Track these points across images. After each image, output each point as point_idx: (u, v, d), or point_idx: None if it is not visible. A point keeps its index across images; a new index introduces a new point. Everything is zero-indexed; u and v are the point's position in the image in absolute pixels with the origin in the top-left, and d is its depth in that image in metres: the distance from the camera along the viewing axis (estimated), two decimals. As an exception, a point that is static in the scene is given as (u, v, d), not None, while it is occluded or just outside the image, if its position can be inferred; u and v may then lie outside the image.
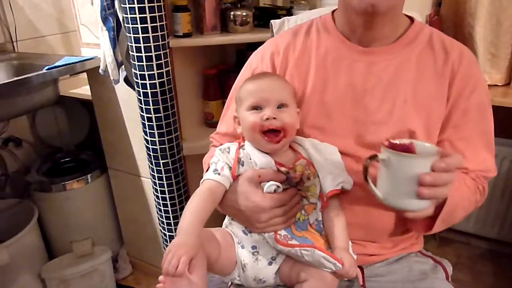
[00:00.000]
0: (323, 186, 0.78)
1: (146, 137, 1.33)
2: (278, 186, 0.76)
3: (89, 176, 1.71)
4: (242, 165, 0.79)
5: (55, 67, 1.36)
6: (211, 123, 1.51)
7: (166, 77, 1.25)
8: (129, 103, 1.49)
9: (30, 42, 1.72)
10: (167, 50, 1.24)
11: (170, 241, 1.48)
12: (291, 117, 0.78)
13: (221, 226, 0.86)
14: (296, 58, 0.88)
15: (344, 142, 0.83)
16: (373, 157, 0.67)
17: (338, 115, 0.83)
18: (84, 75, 1.58)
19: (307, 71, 0.86)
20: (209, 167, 0.81)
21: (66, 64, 1.39)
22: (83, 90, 1.71)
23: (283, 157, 0.79)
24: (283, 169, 0.77)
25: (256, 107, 0.77)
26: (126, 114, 1.54)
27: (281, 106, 0.77)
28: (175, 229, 1.46)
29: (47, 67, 1.33)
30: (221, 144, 0.86)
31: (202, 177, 0.81)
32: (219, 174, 0.77)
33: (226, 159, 0.80)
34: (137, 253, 1.86)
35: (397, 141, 0.69)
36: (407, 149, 0.68)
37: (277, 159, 0.78)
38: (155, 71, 1.22)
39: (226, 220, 0.86)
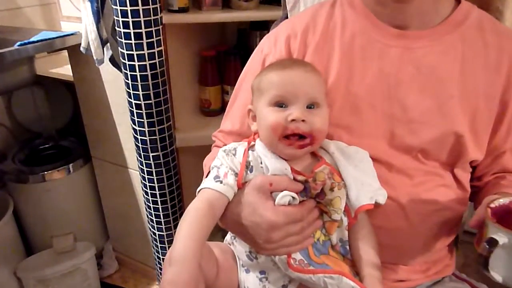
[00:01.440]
0: (352, 200, 0.63)
1: (134, 126, 1.17)
2: (294, 198, 0.62)
3: (71, 165, 1.55)
4: (251, 170, 0.64)
5: (30, 42, 1.18)
6: (208, 111, 1.35)
7: (158, 58, 1.08)
8: (116, 85, 1.32)
9: (5, 14, 1.53)
10: (160, 27, 1.07)
11: (159, 239, 1.34)
12: (322, 121, 0.63)
13: (219, 236, 0.71)
14: (316, 42, 0.72)
15: (375, 144, 0.68)
16: (493, 244, 0.52)
17: (369, 110, 0.68)
18: (66, 52, 1.40)
19: (330, 57, 0.71)
20: (209, 172, 0.67)
21: (42, 40, 1.21)
22: (65, 70, 1.52)
23: (301, 163, 0.65)
24: (300, 177, 0.62)
25: (280, 104, 0.62)
26: (112, 98, 1.37)
27: (311, 105, 0.62)
28: (166, 228, 1.32)
29: (19, 43, 1.15)
30: (225, 145, 0.71)
31: (200, 180, 0.67)
32: (221, 182, 0.62)
33: (231, 163, 0.65)
34: (123, 249, 1.73)
35: (498, 202, 0.55)
36: None
37: (293, 164, 0.63)
38: (145, 51, 1.05)
39: (229, 236, 0.71)
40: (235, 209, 0.63)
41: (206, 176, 0.69)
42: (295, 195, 0.62)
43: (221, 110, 1.36)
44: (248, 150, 0.66)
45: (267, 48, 0.77)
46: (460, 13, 0.69)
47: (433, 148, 0.68)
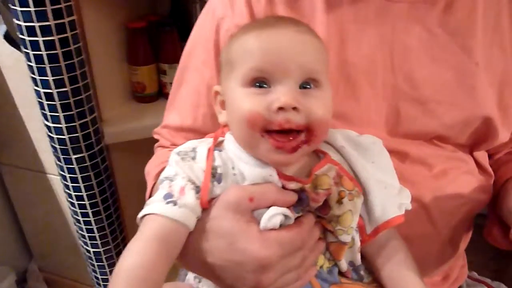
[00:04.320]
0: (376, 212, 0.45)
1: (46, 122, 0.90)
2: (287, 216, 0.43)
3: (-30, 175, 1.23)
4: (219, 180, 0.44)
5: None
6: (142, 96, 1.10)
7: (71, 31, 0.82)
8: (19, 71, 1.03)
9: None
10: (69, -11, 0.81)
11: (95, 257, 1.10)
12: (325, 107, 0.43)
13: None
14: None
15: (378, 131, 0.51)
16: None
17: (368, 90, 0.51)
18: None
19: (311, 18, 0.52)
20: (154, 185, 0.45)
21: None
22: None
23: (294, 164, 0.45)
24: (293, 184, 0.43)
25: (260, 82, 0.42)
26: (15, 88, 1.07)
27: (308, 84, 0.42)
28: (103, 243, 1.08)
29: None
30: (174, 145, 0.50)
31: (141, 182, 0.50)
32: (174, 203, 0.41)
33: (190, 170, 0.44)
34: (52, 268, 1.45)
35: None
36: None
37: (281, 168, 0.44)
38: (51, 22, 0.79)
39: (192, 276, 0.51)
40: (201, 243, 0.43)
41: (150, 193, 0.48)
42: (288, 211, 0.43)
43: (159, 94, 1.13)
44: (214, 150, 0.45)
45: (221, 9, 0.57)
46: None
47: (453, 133, 0.53)
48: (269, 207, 0.42)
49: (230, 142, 0.45)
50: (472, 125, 0.53)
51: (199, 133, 0.56)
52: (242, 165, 0.44)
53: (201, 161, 0.44)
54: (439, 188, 0.52)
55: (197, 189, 0.43)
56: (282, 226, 0.43)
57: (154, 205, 0.42)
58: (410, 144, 0.52)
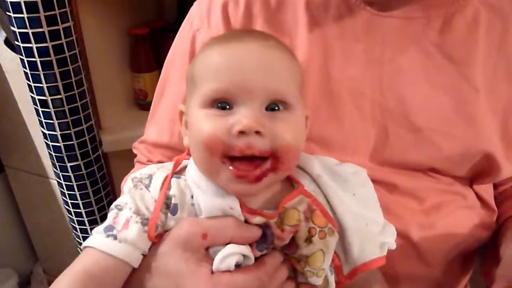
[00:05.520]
0: (353, 252, 0.40)
1: (42, 129, 0.89)
2: (245, 256, 0.38)
3: (-23, 177, 1.24)
4: (174, 211, 0.40)
5: None
6: (144, 103, 1.08)
7: (66, 37, 0.81)
8: (21, 76, 1.01)
9: None
10: (65, -6, 0.79)
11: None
12: (294, 130, 0.38)
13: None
14: (271, 10, 0.50)
15: (363, 160, 0.46)
16: None
17: (353, 113, 0.46)
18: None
19: (294, 33, 0.48)
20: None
21: None
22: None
23: (260, 194, 0.40)
24: (257, 218, 0.38)
25: (222, 103, 0.37)
26: (18, 93, 1.07)
27: (275, 105, 0.38)
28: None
29: None
30: (149, 161, 0.47)
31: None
32: (115, 237, 0.38)
33: (140, 200, 0.40)
34: (56, 271, 1.43)
35: None
36: None
37: (245, 198, 0.39)
38: (45, 28, 0.77)
39: None
40: (144, 282, 0.39)
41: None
42: (247, 250, 0.38)
43: (162, 102, 1.10)
44: (172, 177, 0.41)
45: (198, 21, 0.54)
46: None
47: (450, 166, 0.48)
48: (226, 244, 0.38)
49: (191, 167, 0.41)
50: (471, 159, 0.47)
51: (176, 151, 0.53)
52: (200, 194, 0.39)
53: (154, 190, 0.40)
54: (429, 224, 0.47)
55: (145, 222, 0.39)
56: (240, 267, 0.38)
57: (94, 237, 0.38)
58: (399, 174, 0.47)
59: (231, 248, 0.37)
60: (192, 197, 0.40)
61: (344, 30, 0.47)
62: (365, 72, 0.47)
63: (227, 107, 0.37)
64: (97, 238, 0.38)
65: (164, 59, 1.04)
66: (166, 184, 0.40)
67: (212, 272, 0.37)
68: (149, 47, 1.04)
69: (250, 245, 0.38)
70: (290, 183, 0.42)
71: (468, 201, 0.50)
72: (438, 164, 0.47)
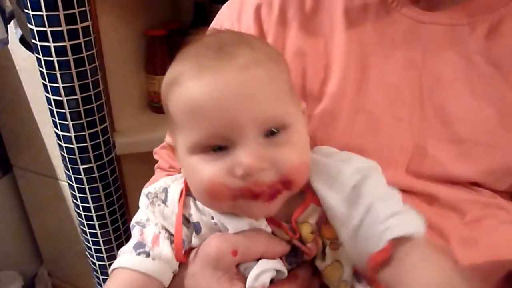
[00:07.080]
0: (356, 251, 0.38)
1: (56, 130, 0.87)
2: (278, 271, 0.36)
3: (-15, 177, 1.22)
4: (197, 229, 0.38)
5: None
6: (158, 107, 1.06)
7: (84, 37, 0.79)
8: (35, 75, 1.00)
9: None
10: (85, -6, 0.77)
11: (100, 270, 1.06)
12: (298, 148, 0.36)
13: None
14: (306, 14, 0.47)
15: (399, 172, 0.44)
16: None
17: (391, 124, 0.44)
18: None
19: (329, 38, 0.46)
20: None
21: None
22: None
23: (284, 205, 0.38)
24: (281, 233, 0.38)
25: (215, 146, 0.35)
26: (30, 92, 1.06)
27: (271, 131, 0.35)
28: (108, 257, 1.04)
29: None
30: (171, 168, 0.45)
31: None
32: (147, 255, 0.36)
33: (161, 216, 0.39)
34: (61, 274, 1.43)
35: None
36: None
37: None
38: (64, 27, 0.75)
39: None
40: None
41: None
42: (279, 264, 0.36)
43: (176, 105, 1.08)
44: (186, 195, 0.39)
45: (228, 23, 0.52)
46: None
47: (491, 180, 0.45)
48: (258, 260, 0.36)
49: None
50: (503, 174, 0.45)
51: None
52: (220, 216, 0.38)
53: (172, 205, 0.38)
54: (473, 240, 0.44)
55: (172, 238, 0.37)
56: (273, 282, 0.36)
57: (123, 258, 0.36)
58: (438, 186, 0.45)
59: (265, 264, 0.36)
60: (212, 218, 0.38)
61: (383, 36, 0.45)
62: (404, 82, 0.45)
63: (222, 148, 0.35)
64: (128, 258, 0.36)
65: (181, 61, 1.04)
66: (182, 199, 0.38)
67: None
68: (165, 49, 1.03)
69: (280, 258, 0.37)
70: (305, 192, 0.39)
71: (511, 215, 0.48)
72: (480, 177, 0.45)
